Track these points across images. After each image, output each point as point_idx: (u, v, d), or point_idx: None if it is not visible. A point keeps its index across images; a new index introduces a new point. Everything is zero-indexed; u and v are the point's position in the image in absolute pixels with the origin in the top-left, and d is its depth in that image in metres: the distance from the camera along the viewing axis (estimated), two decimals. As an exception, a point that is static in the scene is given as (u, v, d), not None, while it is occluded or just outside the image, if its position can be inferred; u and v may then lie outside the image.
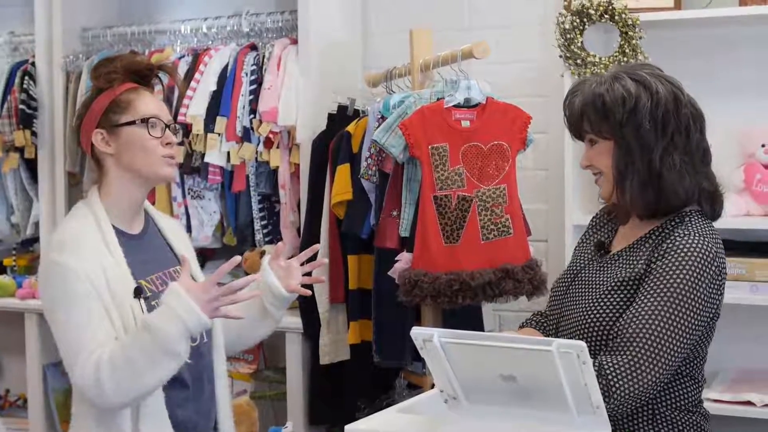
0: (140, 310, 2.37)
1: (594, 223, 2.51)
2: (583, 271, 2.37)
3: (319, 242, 3.52)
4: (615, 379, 2.07)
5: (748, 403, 3.19)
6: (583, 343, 1.82)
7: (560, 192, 3.54)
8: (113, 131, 2.46)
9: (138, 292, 2.39)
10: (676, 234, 2.20)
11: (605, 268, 2.32)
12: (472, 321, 3.39)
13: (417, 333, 1.96)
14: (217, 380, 2.58)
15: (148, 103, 2.49)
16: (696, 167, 2.24)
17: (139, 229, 2.54)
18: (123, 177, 2.47)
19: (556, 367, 1.84)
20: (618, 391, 2.07)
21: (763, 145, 3.38)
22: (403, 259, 3.15)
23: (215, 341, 2.59)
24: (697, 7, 3.39)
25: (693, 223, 2.23)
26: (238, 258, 2.32)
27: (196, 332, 2.30)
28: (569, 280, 2.40)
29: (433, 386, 2.17)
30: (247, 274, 3.92)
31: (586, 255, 2.42)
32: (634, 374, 2.09)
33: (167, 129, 2.49)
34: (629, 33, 3.33)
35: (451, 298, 3.09)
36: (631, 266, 2.25)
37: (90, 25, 4.28)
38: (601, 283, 2.28)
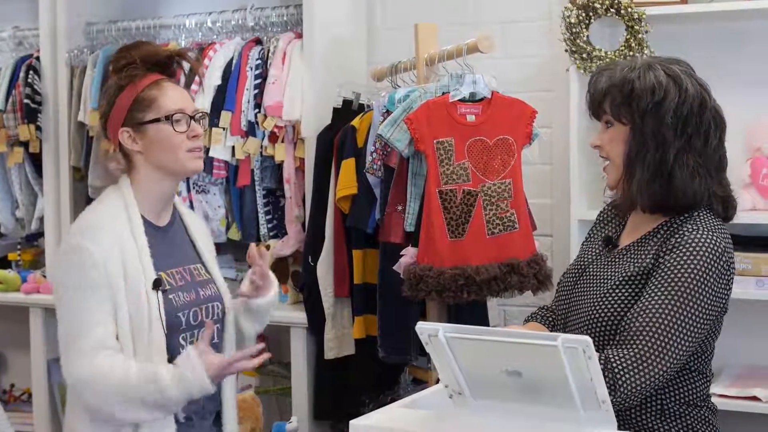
0: (156, 303, 2.38)
1: (602, 218, 2.51)
2: (591, 266, 2.37)
3: (323, 237, 3.52)
4: (621, 373, 2.07)
5: (754, 398, 3.18)
6: (588, 338, 1.81)
7: (565, 187, 3.54)
8: (139, 129, 2.46)
9: (157, 284, 2.39)
10: (685, 229, 2.19)
11: (613, 263, 2.31)
12: (477, 316, 3.39)
13: (422, 328, 1.95)
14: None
15: (172, 96, 2.48)
16: (710, 172, 2.23)
17: (166, 221, 2.55)
18: (152, 173, 2.48)
19: (562, 362, 1.83)
20: (624, 385, 2.06)
21: (769, 140, 3.38)
22: (408, 254, 3.15)
23: (226, 341, 2.59)
24: (703, 0, 3.38)
25: (702, 218, 2.22)
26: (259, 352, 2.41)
27: (198, 396, 2.36)
28: (577, 274, 2.40)
29: (438, 381, 2.16)
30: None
31: (593, 250, 2.42)
32: (640, 368, 2.08)
33: (192, 120, 2.49)
34: (635, 27, 3.32)
35: (456, 293, 3.09)
36: (639, 261, 2.24)
37: (94, 20, 4.28)
38: (609, 277, 2.27)
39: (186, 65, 2.63)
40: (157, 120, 2.45)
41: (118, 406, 2.31)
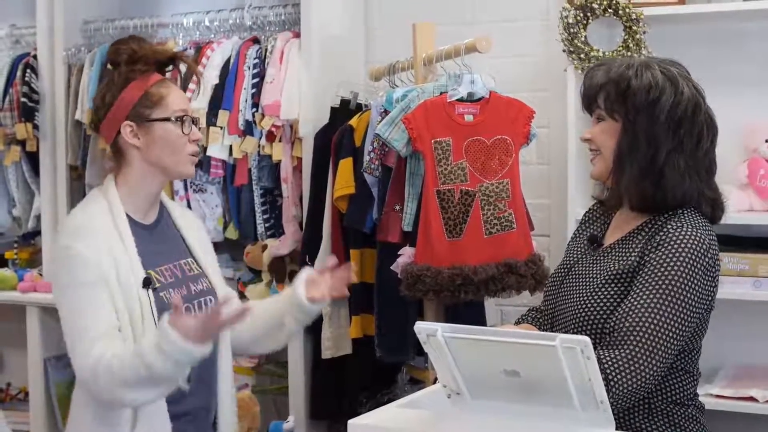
0: (148, 301, 2.38)
1: (587, 218, 2.51)
2: (576, 265, 2.37)
3: (321, 236, 3.52)
4: (613, 374, 2.07)
5: (751, 398, 3.18)
6: (587, 338, 1.81)
7: (563, 186, 3.54)
8: (144, 125, 2.45)
9: (147, 283, 2.39)
10: (669, 226, 2.20)
11: (598, 261, 2.31)
12: (475, 316, 3.39)
13: (421, 327, 1.95)
14: (220, 375, 2.58)
15: (178, 98, 2.49)
16: (700, 175, 2.24)
17: (152, 219, 2.55)
18: (146, 170, 2.48)
19: (560, 362, 1.83)
20: (616, 386, 2.06)
21: (766, 140, 3.37)
22: (406, 254, 3.15)
23: (221, 336, 2.58)
24: (701, 1, 3.39)
25: (686, 216, 2.23)
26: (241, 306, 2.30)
27: (194, 364, 2.30)
28: (563, 274, 2.40)
29: (435, 381, 2.16)
30: (249, 268, 3.92)
31: (579, 249, 2.42)
32: (632, 368, 2.08)
33: (192, 124, 2.51)
34: (633, 27, 3.32)
35: (454, 292, 3.09)
36: (624, 258, 2.24)
37: (91, 18, 4.27)
38: (595, 276, 2.28)
39: (183, 68, 2.64)
40: (166, 119, 2.45)
41: (123, 391, 2.29)
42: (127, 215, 2.47)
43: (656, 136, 2.20)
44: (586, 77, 2.32)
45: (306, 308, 2.57)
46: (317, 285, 2.58)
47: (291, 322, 2.60)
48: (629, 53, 3.30)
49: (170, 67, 2.59)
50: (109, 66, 2.56)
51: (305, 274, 2.61)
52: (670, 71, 2.23)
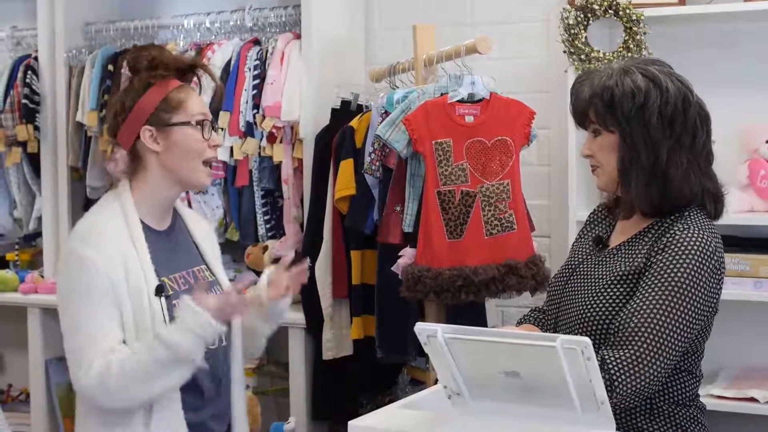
0: (160, 309, 2.36)
1: (592, 219, 2.51)
2: (581, 266, 2.37)
3: (322, 237, 3.52)
4: (617, 374, 2.07)
5: (752, 399, 3.19)
6: (587, 339, 1.81)
7: (563, 187, 3.54)
8: (164, 130, 2.43)
9: (160, 290, 2.37)
10: (676, 228, 2.20)
11: (604, 263, 2.31)
12: (476, 317, 3.39)
13: (421, 329, 1.95)
14: (233, 383, 2.55)
15: (198, 103, 2.47)
16: (701, 168, 2.24)
17: (166, 225, 2.52)
18: (161, 177, 2.45)
19: (560, 363, 1.83)
20: (620, 386, 2.06)
21: (767, 141, 3.37)
22: (407, 255, 3.15)
23: (234, 344, 2.56)
24: (701, 2, 3.39)
25: (692, 218, 2.23)
26: (253, 277, 2.37)
27: (212, 340, 2.32)
28: (567, 275, 2.39)
29: (436, 382, 2.16)
30: (250, 269, 3.92)
31: (584, 250, 2.42)
32: (637, 369, 2.08)
33: (212, 130, 2.50)
34: (633, 28, 3.32)
35: (455, 293, 3.09)
36: (630, 260, 2.24)
37: (92, 20, 4.28)
38: (601, 277, 2.28)
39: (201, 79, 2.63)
40: (186, 123, 2.43)
41: (140, 387, 2.28)
42: (141, 221, 2.44)
43: (653, 139, 2.19)
44: (572, 94, 2.32)
45: (268, 308, 2.57)
46: (277, 284, 2.58)
47: (260, 325, 2.60)
48: (629, 54, 3.30)
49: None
50: (127, 72, 2.52)
51: (266, 275, 2.60)
52: (651, 71, 2.22)
